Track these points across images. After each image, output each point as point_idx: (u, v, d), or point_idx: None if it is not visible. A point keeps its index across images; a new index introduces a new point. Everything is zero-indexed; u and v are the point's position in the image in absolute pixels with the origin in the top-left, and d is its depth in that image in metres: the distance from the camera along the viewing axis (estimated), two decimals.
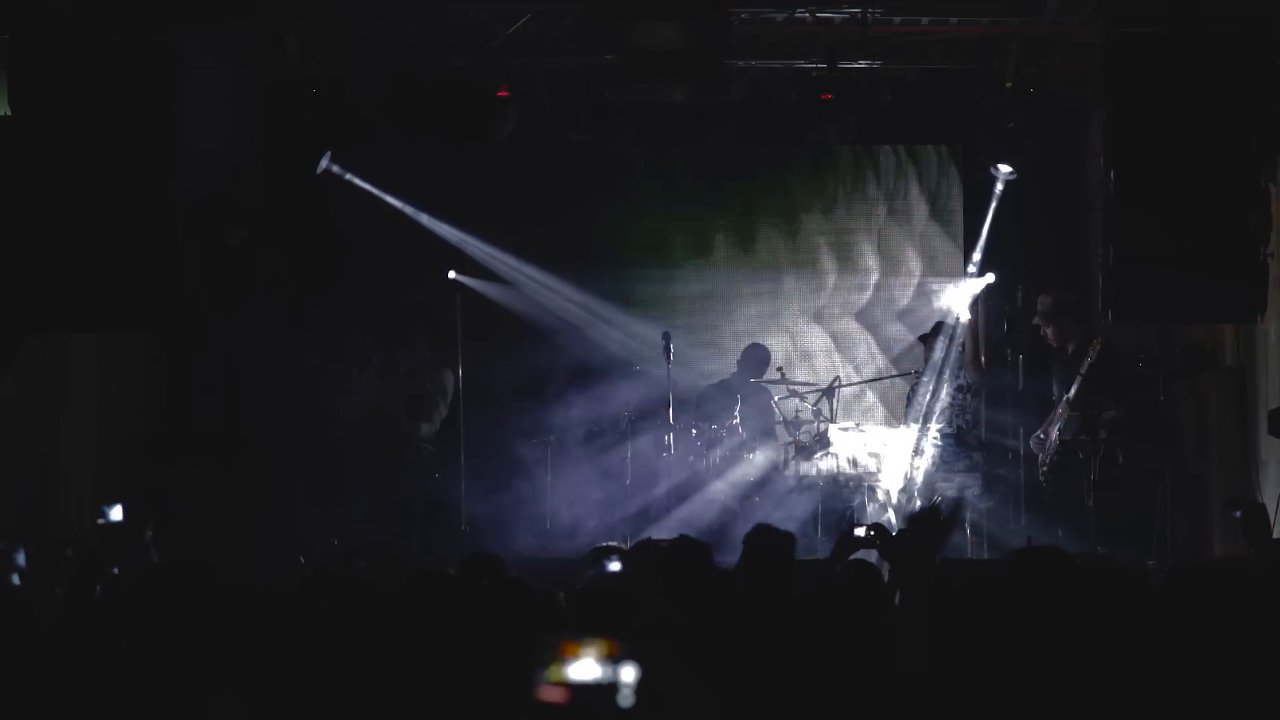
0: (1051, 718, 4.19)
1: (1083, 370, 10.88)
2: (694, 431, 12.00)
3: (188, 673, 4.05)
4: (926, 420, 11.66)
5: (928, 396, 11.62)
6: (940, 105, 12.51)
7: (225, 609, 4.44)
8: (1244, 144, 9.40)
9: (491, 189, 13.17)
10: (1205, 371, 11.54)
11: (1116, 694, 4.18)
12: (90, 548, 5.96)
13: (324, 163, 12.27)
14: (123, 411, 11.81)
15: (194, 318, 9.63)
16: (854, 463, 11.75)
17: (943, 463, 11.54)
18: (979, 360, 11.70)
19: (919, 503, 11.42)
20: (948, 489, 11.38)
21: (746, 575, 5.84)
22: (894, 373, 12.78)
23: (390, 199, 12.58)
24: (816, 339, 13.45)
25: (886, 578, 6.03)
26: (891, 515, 11.35)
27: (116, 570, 5.72)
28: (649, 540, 6.18)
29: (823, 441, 11.83)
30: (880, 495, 11.61)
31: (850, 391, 12.79)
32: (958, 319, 12.06)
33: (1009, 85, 11.58)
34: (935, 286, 12.86)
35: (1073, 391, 10.96)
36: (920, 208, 13.41)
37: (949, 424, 11.55)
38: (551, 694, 2.87)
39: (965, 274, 12.52)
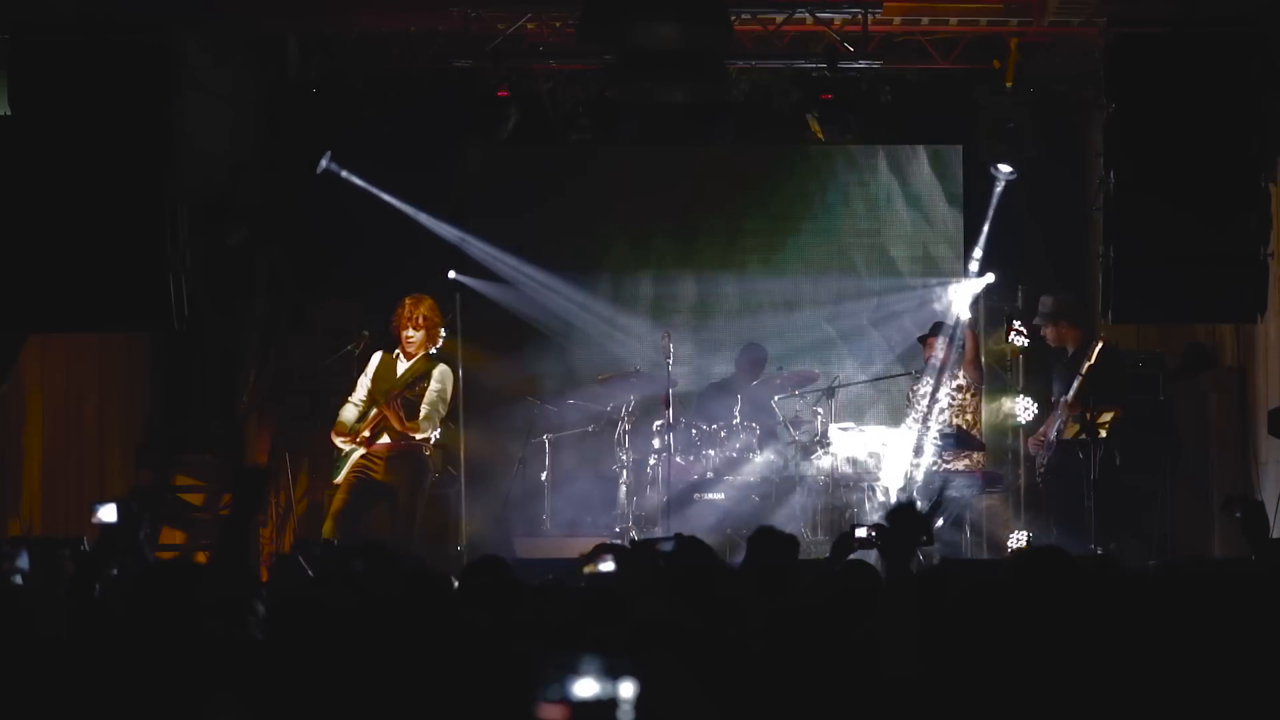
0: (1052, 718, 4.19)
1: (1082, 371, 10.89)
2: (694, 431, 12.00)
3: (186, 673, 4.05)
4: (926, 420, 11.66)
5: (927, 396, 11.62)
6: (940, 105, 12.51)
7: (223, 610, 4.43)
8: (1244, 144, 9.40)
9: (491, 189, 13.17)
10: (1205, 371, 11.55)
11: (1115, 693, 4.18)
12: (87, 548, 5.93)
13: (324, 163, 12.27)
14: (123, 411, 11.82)
15: (194, 318, 9.61)
16: (854, 463, 11.75)
17: (943, 463, 11.54)
18: (979, 360, 11.70)
19: (919, 503, 11.43)
20: (947, 489, 11.38)
21: (751, 578, 5.84)
22: (894, 373, 12.77)
23: (390, 199, 12.58)
24: (816, 339, 13.44)
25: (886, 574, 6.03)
26: None
27: (116, 571, 5.72)
28: (649, 540, 6.17)
29: (823, 441, 11.83)
30: (880, 495, 11.61)
31: (850, 391, 12.78)
32: (957, 319, 12.06)
33: (1009, 85, 11.58)
34: (935, 286, 12.86)
35: (1071, 392, 10.96)
36: (920, 208, 13.40)
37: (949, 424, 11.55)
38: (551, 713, 2.88)
39: (965, 274, 12.51)
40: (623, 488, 11.87)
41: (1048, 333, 11.49)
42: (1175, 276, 9.48)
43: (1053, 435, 11.24)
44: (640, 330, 13.03)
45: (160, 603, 4.30)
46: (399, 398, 10.66)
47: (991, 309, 12.54)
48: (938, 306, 12.60)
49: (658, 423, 11.86)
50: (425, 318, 10.84)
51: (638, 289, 13.30)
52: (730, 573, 6.03)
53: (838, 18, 11.31)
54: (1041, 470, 11.35)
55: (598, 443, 12.26)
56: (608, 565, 5.57)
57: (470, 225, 12.84)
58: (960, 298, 12.35)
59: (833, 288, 13.46)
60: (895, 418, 12.12)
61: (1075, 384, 10.94)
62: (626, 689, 2.90)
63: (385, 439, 10.75)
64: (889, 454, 11.67)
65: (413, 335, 10.82)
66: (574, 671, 2.92)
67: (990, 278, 12.33)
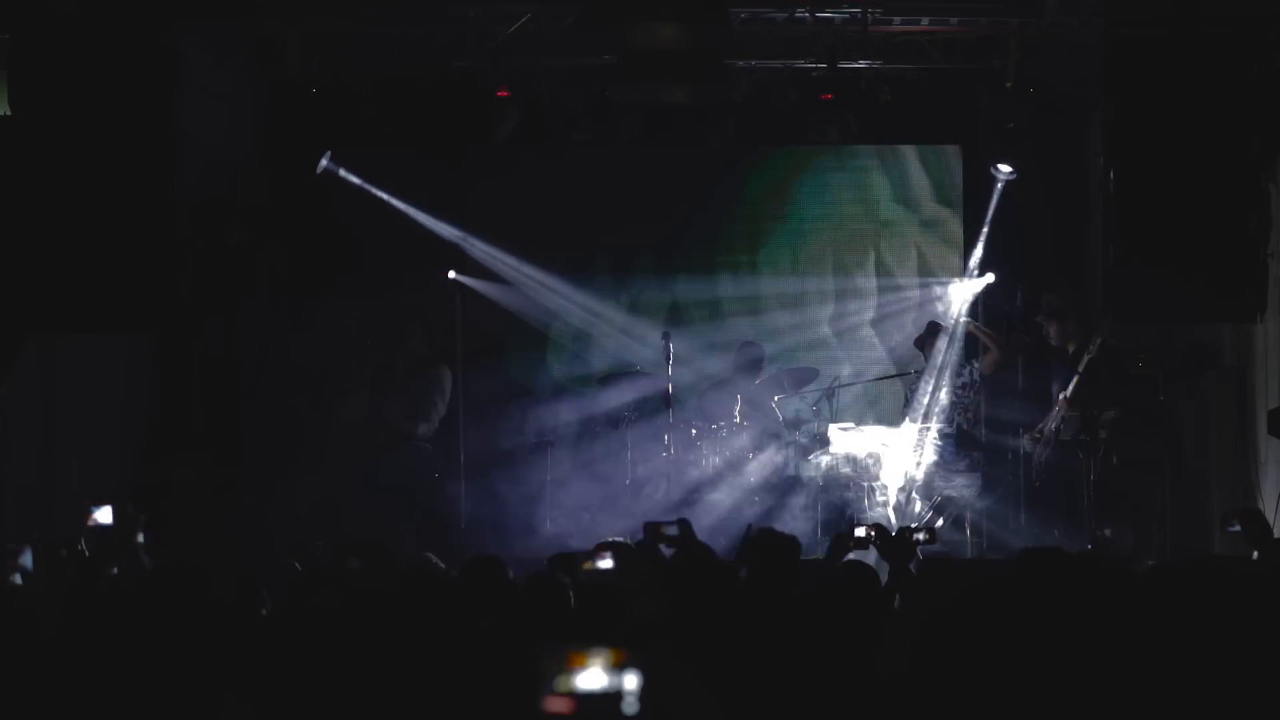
0: (1051, 717, 4.19)
1: (1081, 367, 10.89)
2: (694, 432, 12.00)
3: (185, 674, 4.05)
4: (926, 420, 11.66)
5: (927, 396, 11.62)
6: (940, 105, 12.51)
7: (222, 610, 4.43)
8: (1244, 144, 9.40)
9: (491, 189, 13.16)
10: (1205, 371, 11.54)
11: (1115, 692, 4.18)
12: (86, 549, 5.93)
13: (324, 163, 12.27)
14: (123, 411, 11.81)
15: (194, 318, 9.61)
16: (854, 463, 11.74)
17: (943, 463, 11.54)
18: (999, 360, 11.74)
19: (919, 503, 11.43)
20: (947, 489, 11.38)
21: (751, 577, 5.84)
22: (894, 373, 12.77)
23: (390, 199, 12.58)
24: (816, 339, 13.44)
25: (886, 578, 6.04)
26: (891, 515, 11.35)
27: (116, 570, 5.72)
28: (655, 524, 6.17)
29: (823, 441, 11.82)
30: (880, 495, 11.61)
31: (850, 391, 12.78)
32: (957, 319, 12.06)
33: (1009, 85, 11.58)
34: (935, 287, 12.86)
35: (1070, 389, 10.96)
36: (920, 208, 13.39)
37: (949, 424, 11.55)
38: (557, 705, 2.89)
39: (965, 274, 12.51)
40: (623, 488, 11.87)
41: (1052, 330, 11.49)
42: (1175, 276, 9.47)
43: (1049, 429, 11.24)
44: (640, 330, 13.02)
45: (164, 604, 4.30)
46: (403, 396, 10.64)
47: (991, 309, 12.53)
48: (939, 306, 12.60)
49: (658, 423, 11.86)
50: None
51: (638, 289, 13.30)
52: (730, 572, 6.03)
53: (838, 18, 11.31)
54: (1039, 467, 11.34)
55: (598, 443, 12.26)
56: (606, 563, 5.58)
57: (470, 225, 12.84)
58: (960, 298, 12.35)
59: (833, 288, 13.46)
60: (895, 418, 12.12)
61: (1074, 380, 10.93)
62: (631, 681, 2.91)
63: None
64: (889, 454, 11.67)
65: None
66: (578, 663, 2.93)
67: (990, 278, 12.33)
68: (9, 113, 9.33)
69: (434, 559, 6.73)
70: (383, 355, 12.31)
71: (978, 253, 12.38)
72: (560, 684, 2.88)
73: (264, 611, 4.80)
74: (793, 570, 5.95)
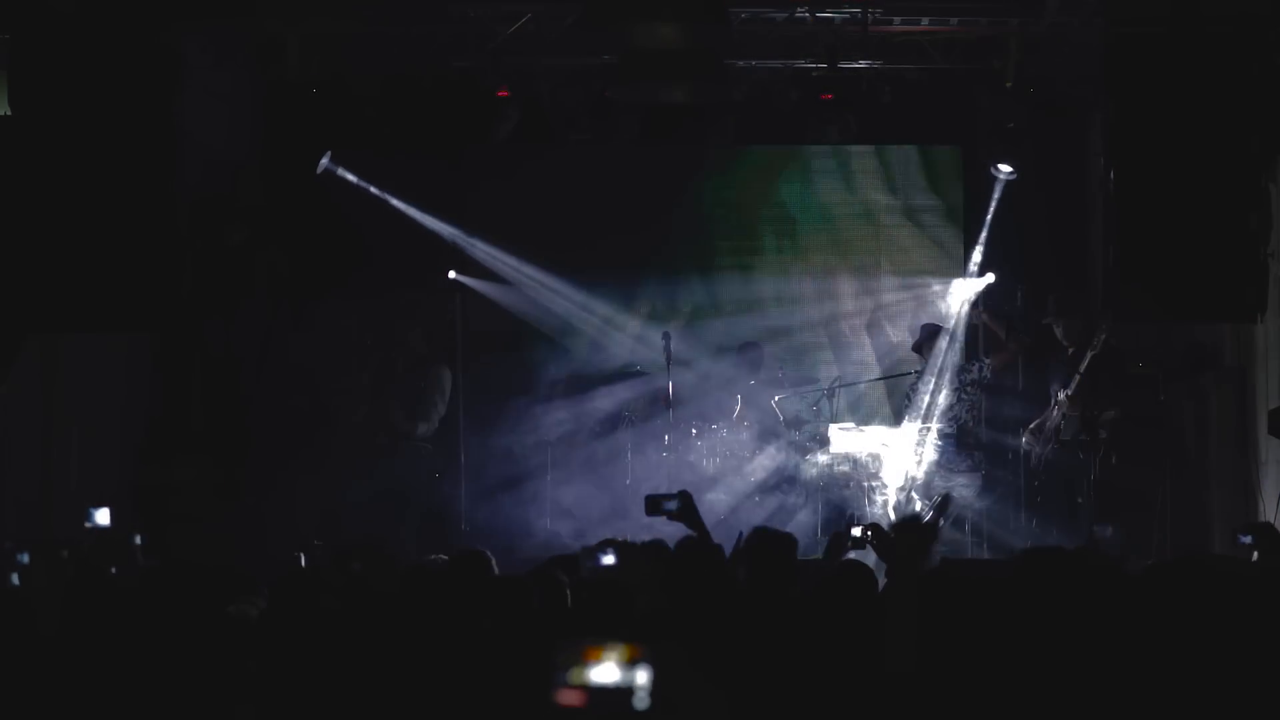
0: (1051, 717, 4.19)
1: (1084, 365, 10.88)
2: (694, 431, 12.00)
3: (183, 674, 4.05)
4: (926, 420, 11.66)
5: (927, 396, 11.61)
6: (940, 105, 12.51)
7: (221, 611, 4.43)
8: (1244, 144, 9.39)
9: (491, 189, 13.17)
10: (1205, 371, 11.55)
11: (1114, 692, 4.18)
12: (85, 550, 5.94)
13: (324, 162, 12.27)
14: (123, 411, 11.81)
15: (194, 318, 9.61)
16: (854, 463, 11.74)
17: (943, 463, 11.54)
18: (1011, 360, 11.76)
19: (919, 503, 11.43)
20: (948, 489, 11.38)
21: (749, 577, 5.84)
22: (894, 373, 12.77)
23: (390, 199, 12.59)
24: (816, 339, 13.44)
25: (885, 578, 6.03)
26: (891, 515, 11.35)
27: (122, 567, 5.72)
28: (656, 497, 6.17)
29: (822, 441, 11.82)
30: (880, 495, 11.61)
31: (850, 391, 12.79)
32: (958, 318, 12.07)
33: (1009, 85, 11.58)
34: (935, 286, 12.86)
35: (1073, 387, 10.96)
36: (920, 208, 13.40)
37: (949, 424, 11.55)
38: (569, 698, 2.90)
39: (965, 274, 12.52)
40: (623, 488, 11.87)
41: (1058, 328, 11.50)
42: (1175, 276, 9.47)
43: (1048, 427, 11.24)
44: (641, 330, 13.03)
45: (163, 604, 4.30)
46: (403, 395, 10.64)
47: (991, 309, 12.53)
48: (940, 306, 12.60)
49: (658, 423, 11.87)
50: None
51: (637, 289, 13.30)
52: (730, 571, 6.03)
53: (838, 18, 11.31)
54: (1038, 465, 11.34)
55: (598, 443, 12.26)
56: (608, 559, 5.58)
57: (470, 225, 12.85)
58: (960, 298, 12.35)
59: (833, 288, 13.46)
60: (895, 418, 12.12)
61: (1076, 378, 10.93)
62: (642, 676, 2.92)
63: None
64: (889, 454, 11.67)
65: None
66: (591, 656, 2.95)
67: (990, 278, 12.34)
68: (9, 113, 9.32)
69: (439, 559, 6.73)
70: (382, 355, 12.31)
71: (978, 253, 12.38)
72: (574, 676, 2.90)
73: (254, 613, 4.79)
74: (789, 568, 5.95)
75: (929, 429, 11.61)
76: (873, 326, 13.44)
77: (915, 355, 12.03)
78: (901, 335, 13.04)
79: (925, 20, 11.58)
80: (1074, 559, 5.06)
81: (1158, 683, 4.20)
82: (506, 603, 4.93)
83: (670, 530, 6.50)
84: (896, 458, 11.62)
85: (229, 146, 11.47)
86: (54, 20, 9.55)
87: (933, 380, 11.60)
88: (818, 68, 11.51)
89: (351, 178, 12.42)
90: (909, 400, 11.87)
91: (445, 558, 6.71)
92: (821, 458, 11.76)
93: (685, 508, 5.94)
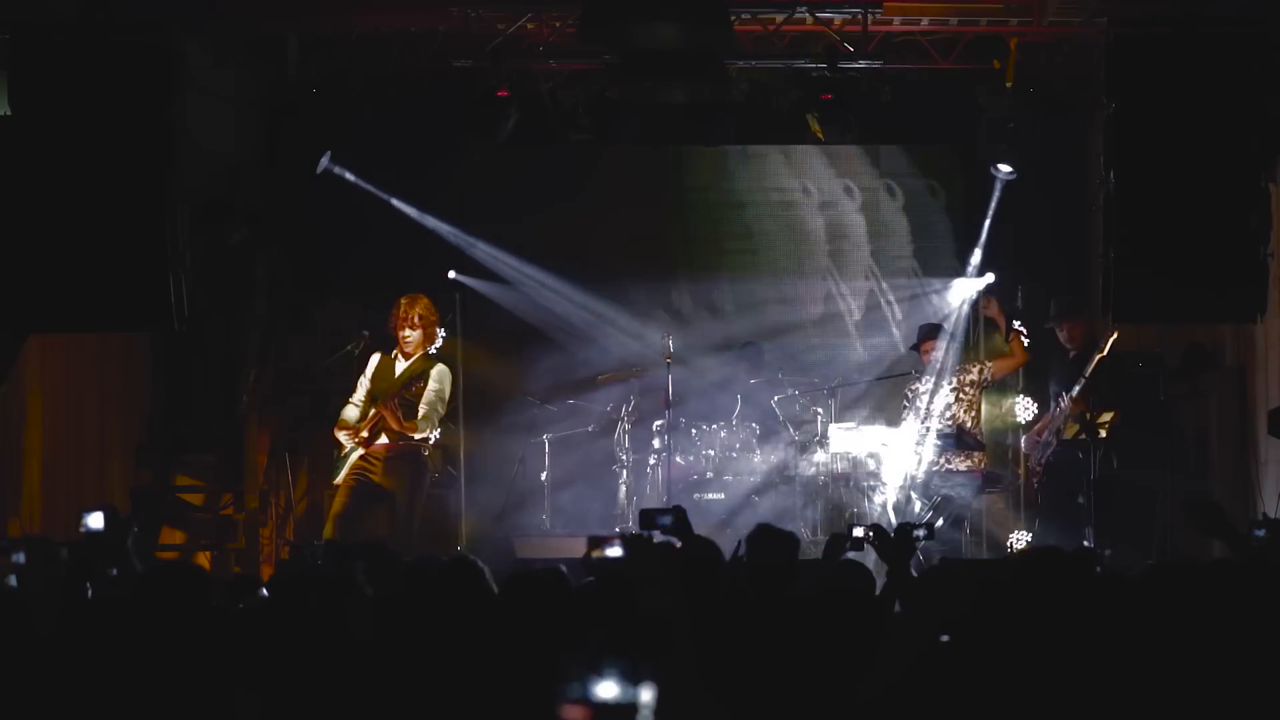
0: (1051, 718, 4.19)
1: (1091, 367, 10.87)
2: (694, 431, 12.00)
3: (181, 676, 4.04)
4: (927, 420, 11.66)
5: (927, 396, 11.61)
6: (940, 105, 12.51)
7: (220, 611, 4.43)
8: (1244, 144, 9.38)
9: (491, 189, 13.17)
10: (1205, 371, 11.54)
11: (1112, 693, 4.18)
12: (82, 550, 5.92)
13: (324, 162, 12.27)
14: (123, 411, 11.82)
15: (194, 318, 9.60)
16: (854, 462, 11.74)
17: (943, 463, 11.53)
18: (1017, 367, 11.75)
19: (919, 503, 11.43)
20: (947, 489, 11.38)
21: (750, 576, 5.84)
22: (894, 373, 12.77)
23: (390, 199, 12.59)
24: (816, 338, 13.44)
25: (885, 579, 6.03)
26: (891, 515, 11.35)
27: (115, 571, 5.71)
28: (651, 511, 6.17)
29: (822, 441, 11.82)
30: (880, 495, 11.60)
31: (850, 391, 12.78)
32: (955, 319, 12.07)
33: (1009, 85, 11.58)
34: (935, 286, 12.86)
35: (1077, 389, 10.96)
36: (920, 208, 13.41)
37: (948, 424, 11.55)
38: (573, 714, 2.89)
39: (965, 274, 12.51)
40: (622, 488, 11.88)
41: (1061, 333, 11.49)
42: (1175, 276, 9.46)
43: (1049, 435, 11.23)
44: (640, 330, 13.03)
45: (162, 604, 4.30)
46: (397, 398, 10.65)
47: (1001, 301, 12.53)
48: (939, 306, 12.60)
49: (658, 423, 11.86)
50: (421, 317, 10.79)
51: (637, 289, 13.30)
52: (730, 570, 6.02)
53: (838, 18, 11.31)
54: (1039, 470, 11.33)
55: (598, 443, 12.26)
56: (615, 551, 5.58)
57: (470, 225, 12.85)
58: (959, 298, 12.35)
59: (833, 287, 13.47)
60: (895, 418, 12.12)
61: (1082, 380, 10.92)
62: (647, 693, 2.92)
63: (384, 439, 10.73)
64: (889, 454, 11.67)
65: (409, 335, 10.78)
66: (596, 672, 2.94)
67: (990, 278, 12.33)
68: (9, 113, 9.32)
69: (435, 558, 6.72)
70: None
71: (978, 253, 12.38)
72: (575, 691, 2.89)
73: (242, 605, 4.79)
74: (791, 568, 5.94)
75: (929, 429, 11.61)
76: (872, 326, 13.44)
77: (914, 355, 12.03)
78: (901, 335, 13.03)
79: (925, 20, 11.57)
80: (1074, 560, 5.06)
81: (1158, 684, 4.21)
82: (505, 609, 4.92)
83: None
84: (896, 457, 11.61)
85: (229, 146, 11.47)
86: (54, 20, 9.55)
87: (931, 380, 11.60)
88: (818, 68, 11.50)
89: (351, 178, 12.42)
90: (908, 400, 11.87)
91: (441, 557, 6.71)
92: (821, 458, 11.76)
93: (679, 523, 5.94)
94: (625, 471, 11.87)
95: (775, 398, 12.21)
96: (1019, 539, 11.59)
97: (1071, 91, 12.05)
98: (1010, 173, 11.77)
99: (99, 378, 11.38)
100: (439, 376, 10.81)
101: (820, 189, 13.50)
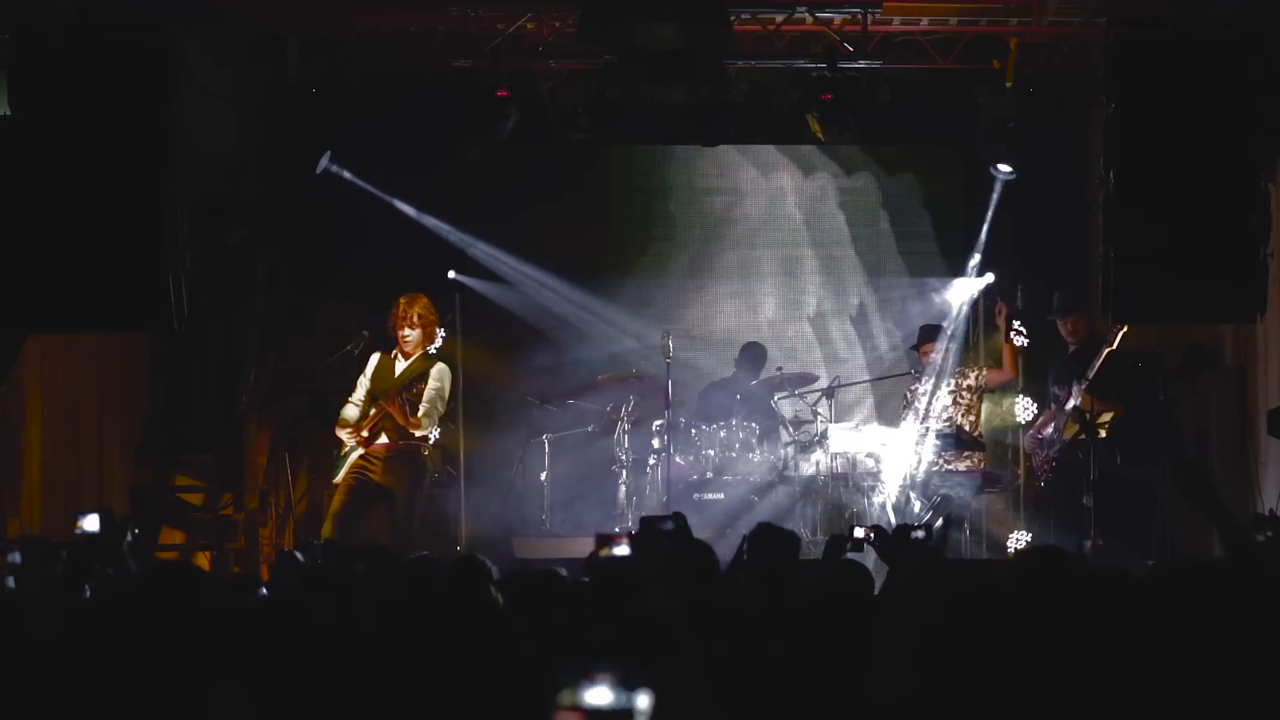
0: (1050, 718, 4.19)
1: (1100, 360, 10.86)
2: (694, 431, 11.99)
3: (179, 676, 4.04)
4: (925, 420, 11.65)
5: (927, 396, 11.61)
6: (940, 105, 12.50)
7: (219, 612, 4.42)
8: (1244, 144, 9.38)
9: (491, 189, 13.17)
10: (1205, 371, 11.53)
11: (1112, 694, 4.18)
12: (80, 550, 5.93)
13: (324, 162, 12.27)
14: (123, 411, 11.82)
15: (194, 318, 9.60)
16: (854, 462, 11.73)
17: (943, 463, 11.53)
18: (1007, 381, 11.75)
19: (919, 503, 11.42)
20: (946, 489, 11.37)
21: (751, 575, 5.84)
22: (894, 373, 12.77)
23: (390, 199, 12.59)
24: (816, 339, 13.44)
25: (885, 579, 6.03)
26: (891, 515, 11.34)
27: (113, 571, 5.71)
28: (652, 519, 6.18)
29: (822, 441, 11.82)
30: (880, 495, 11.60)
31: (850, 391, 12.78)
32: (955, 319, 12.07)
33: (1009, 85, 11.57)
34: (935, 286, 12.85)
35: (1087, 382, 10.96)
36: (920, 208, 13.40)
37: (949, 424, 11.54)
38: (568, 719, 2.87)
39: (965, 274, 12.51)
40: (622, 488, 11.87)
41: (1063, 328, 11.48)
42: (1175, 276, 9.46)
43: (1049, 432, 11.22)
44: (640, 330, 13.02)
45: (159, 605, 4.29)
46: (398, 397, 10.64)
47: (990, 309, 12.52)
48: (939, 306, 12.59)
49: (657, 423, 11.86)
50: (420, 316, 10.79)
51: (637, 289, 13.30)
52: (732, 570, 6.03)
53: (838, 18, 11.31)
54: (1045, 468, 11.30)
55: (598, 443, 12.26)
56: (622, 549, 5.59)
57: (470, 225, 12.85)
58: (959, 298, 12.34)
59: (833, 287, 13.47)
60: (895, 418, 12.12)
61: (1092, 373, 10.91)
62: (643, 700, 2.90)
63: (383, 439, 10.73)
64: (889, 454, 11.66)
65: (409, 334, 10.78)
66: (590, 678, 2.92)
67: (990, 278, 12.32)
68: (9, 113, 9.33)
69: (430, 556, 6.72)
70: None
71: (977, 253, 12.37)
72: (566, 698, 2.87)
73: (257, 615, 4.77)
74: (792, 568, 5.95)
75: (929, 429, 11.60)
76: (872, 326, 13.44)
77: (914, 354, 12.03)
78: (902, 335, 13.03)
79: (925, 20, 11.57)
80: (1073, 560, 5.06)
81: (1158, 684, 4.20)
82: (511, 606, 4.92)
83: None
84: (896, 458, 11.61)
85: (229, 146, 11.47)
86: (54, 20, 9.55)
87: (931, 380, 11.59)
88: (818, 68, 11.50)
89: (351, 177, 12.42)
90: (907, 400, 11.87)
91: (431, 554, 6.71)
92: (821, 458, 11.75)
93: (680, 529, 5.94)
94: (625, 471, 11.86)
95: (775, 398, 12.20)
96: (1019, 539, 11.58)
97: (1071, 91, 12.04)
98: (1010, 173, 11.77)
99: (99, 378, 11.38)
100: (439, 375, 10.81)
101: (820, 188, 13.49)
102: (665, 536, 5.86)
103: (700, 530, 9.74)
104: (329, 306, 12.70)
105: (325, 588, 5.27)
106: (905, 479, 11.54)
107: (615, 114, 11.81)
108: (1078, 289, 11.72)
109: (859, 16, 11.16)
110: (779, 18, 11.32)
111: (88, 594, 5.49)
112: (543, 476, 12.11)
